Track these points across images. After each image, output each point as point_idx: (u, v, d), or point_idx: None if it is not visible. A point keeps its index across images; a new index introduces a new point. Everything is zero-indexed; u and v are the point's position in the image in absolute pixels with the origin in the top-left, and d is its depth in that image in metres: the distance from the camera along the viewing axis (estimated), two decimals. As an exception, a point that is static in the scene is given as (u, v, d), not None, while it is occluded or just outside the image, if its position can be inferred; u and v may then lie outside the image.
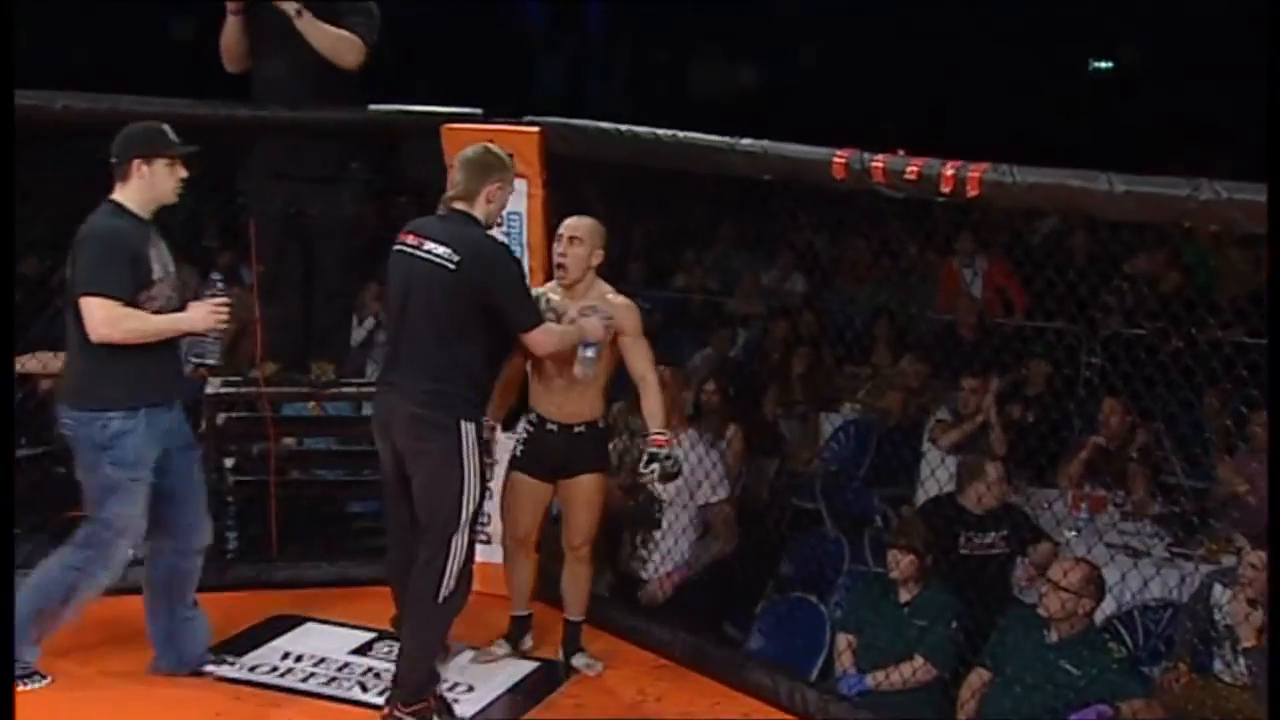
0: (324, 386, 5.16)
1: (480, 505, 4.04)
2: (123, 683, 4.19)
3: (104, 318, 3.82)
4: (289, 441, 5.38)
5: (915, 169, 3.81)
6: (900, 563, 4.70)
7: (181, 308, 4.02)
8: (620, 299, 4.37)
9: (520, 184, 4.73)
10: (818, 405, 7.03)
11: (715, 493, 5.40)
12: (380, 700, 4.12)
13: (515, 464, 4.46)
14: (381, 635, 4.60)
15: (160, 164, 3.95)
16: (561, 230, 4.38)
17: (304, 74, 4.96)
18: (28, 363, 5.19)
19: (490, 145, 4.15)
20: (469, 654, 4.50)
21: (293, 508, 5.21)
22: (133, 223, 3.93)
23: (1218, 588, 4.62)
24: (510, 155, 4.18)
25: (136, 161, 3.92)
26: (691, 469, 5.24)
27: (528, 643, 4.60)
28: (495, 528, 4.74)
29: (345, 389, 5.26)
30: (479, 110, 4.98)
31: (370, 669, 4.41)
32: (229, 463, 5.13)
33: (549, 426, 4.39)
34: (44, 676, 4.09)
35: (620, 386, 4.58)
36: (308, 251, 5.16)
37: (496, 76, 11.06)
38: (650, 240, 8.51)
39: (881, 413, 6.80)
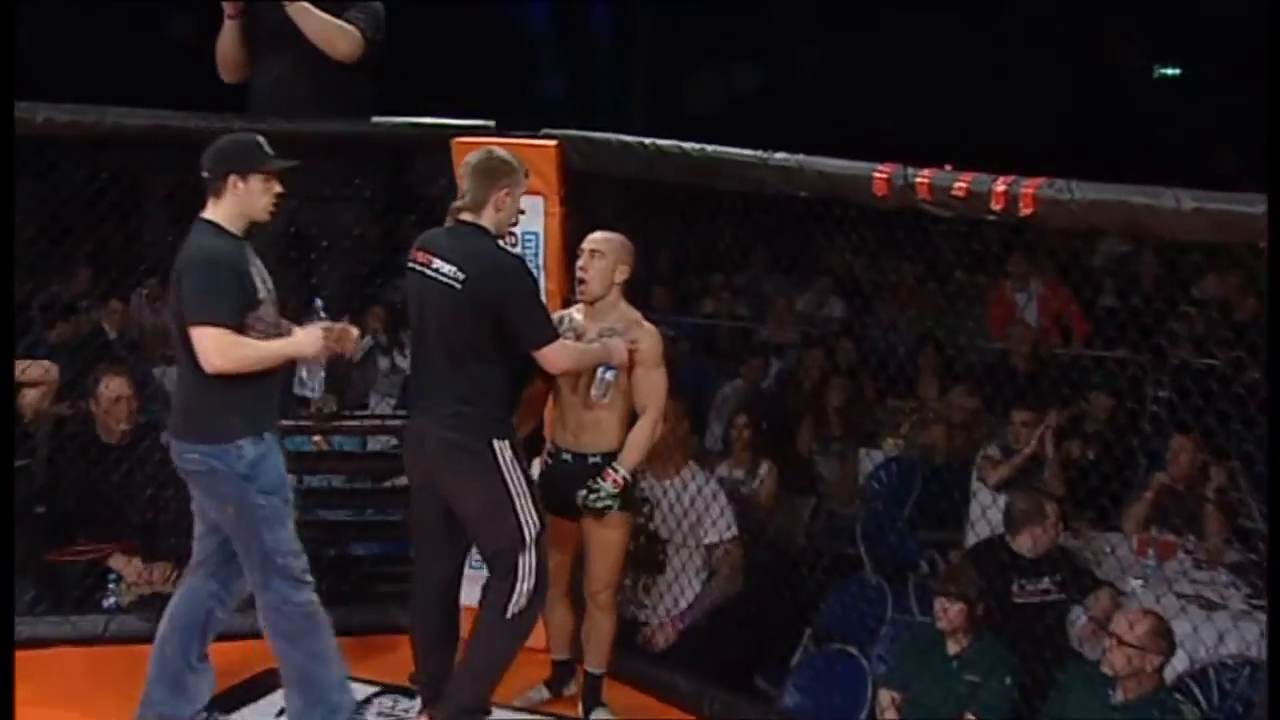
0: (326, 419, 5.19)
1: (543, 521, 4.11)
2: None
3: (216, 347, 3.89)
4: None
5: (964, 185, 3.83)
6: (949, 612, 4.69)
7: (287, 332, 4.13)
8: (646, 325, 4.41)
9: (537, 202, 4.77)
10: (857, 441, 7.01)
11: (721, 532, 5.43)
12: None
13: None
14: (385, 689, 4.61)
15: (256, 180, 4.05)
16: (584, 244, 4.43)
17: (305, 83, 5.01)
18: (30, 369, 5.24)
19: (496, 149, 4.19)
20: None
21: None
22: (230, 242, 4.01)
23: (1300, 642, 4.58)
24: (519, 159, 4.23)
25: (232, 177, 4.00)
26: (695, 506, 5.29)
27: (571, 689, 4.64)
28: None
29: (348, 422, 5.28)
30: (491, 123, 5.02)
31: (371, 727, 4.42)
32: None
33: (564, 456, 4.44)
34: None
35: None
36: (308, 274, 5.20)
37: (500, 83, 11.19)
38: (675, 263, 8.53)
39: (926, 449, 6.79)
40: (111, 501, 5.27)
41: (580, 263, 4.40)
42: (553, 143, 4.88)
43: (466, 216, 4.09)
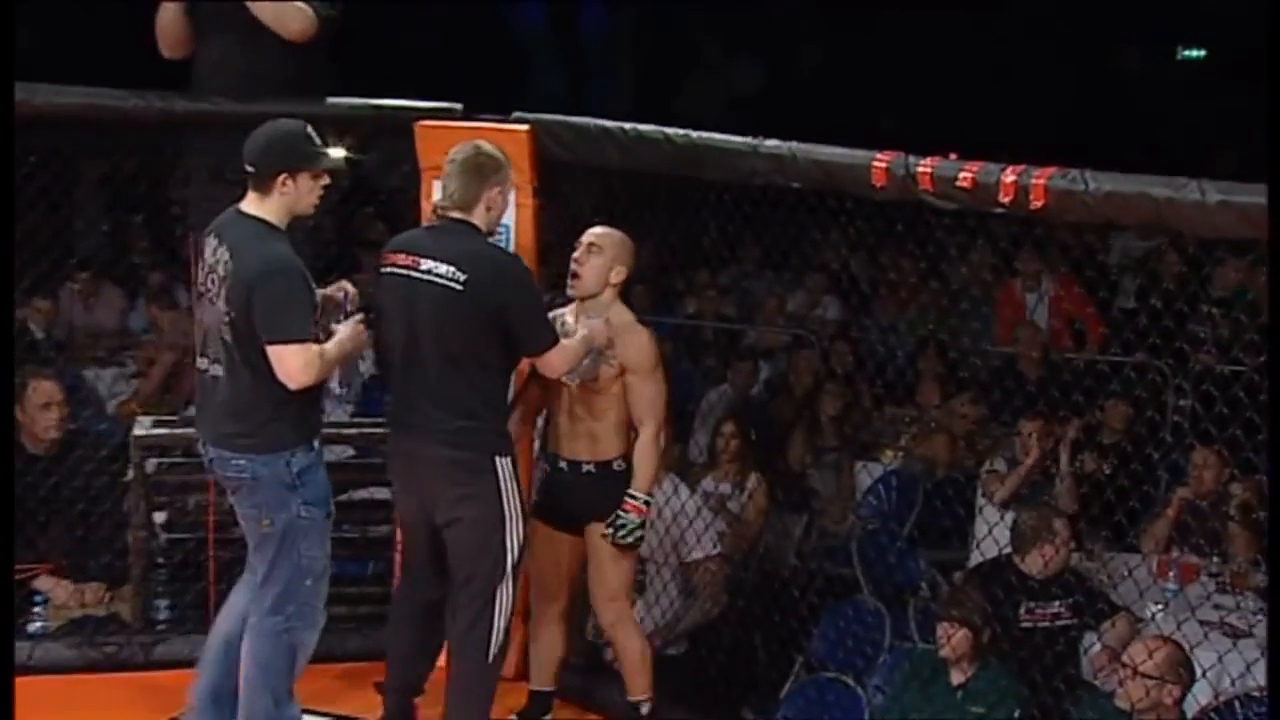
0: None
1: (525, 549, 4.14)
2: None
3: (303, 365, 3.96)
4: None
5: (970, 175, 3.84)
6: (952, 638, 4.70)
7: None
8: (639, 329, 4.42)
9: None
10: (853, 453, 7.03)
11: (701, 548, 5.44)
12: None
13: (535, 509, 4.54)
14: (336, 722, 4.60)
15: (305, 177, 4.07)
16: (583, 236, 4.45)
17: (254, 62, 5.00)
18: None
19: (482, 144, 4.21)
20: None
21: (238, 570, 5.20)
22: (289, 244, 4.05)
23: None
24: (504, 152, 4.24)
25: (282, 176, 4.04)
26: (677, 522, 5.31)
27: None
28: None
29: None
30: (458, 105, 5.01)
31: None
32: (160, 518, 5.14)
33: (560, 465, 4.47)
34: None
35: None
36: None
37: (495, 81, 11.32)
38: (657, 259, 8.53)
39: (928, 462, 6.80)
40: (38, 517, 5.23)
41: (576, 255, 4.42)
42: (524, 128, 4.86)
43: (456, 215, 4.09)
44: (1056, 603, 5.25)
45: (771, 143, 4.33)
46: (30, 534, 5.23)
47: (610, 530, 4.37)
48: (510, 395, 4.31)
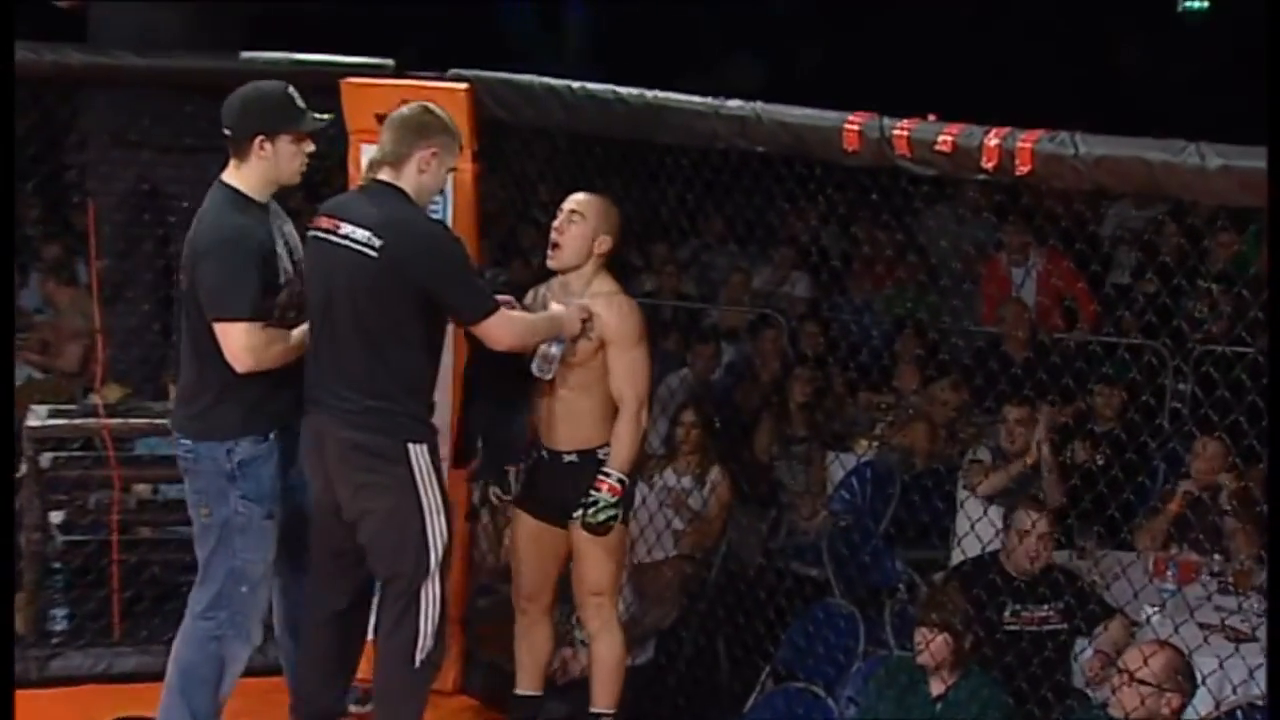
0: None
1: (451, 542, 4.12)
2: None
3: (246, 345, 4.01)
4: (140, 489, 5.36)
5: (950, 138, 3.85)
6: (931, 643, 4.72)
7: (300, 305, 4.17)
8: (620, 298, 4.45)
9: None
10: (824, 442, 7.05)
11: (661, 548, 5.45)
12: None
13: (517, 500, 4.58)
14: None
15: (285, 141, 4.09)
16: (564, 204, 4.46)
17: (162, 12, 4.96)
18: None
19: (432, 105, 4.20)
20: None
21: (143, 576, 5.19)
22: (256, 215, 4.07)
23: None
24: (455, 123, 4.23)
25: (259, 139, 4.07)
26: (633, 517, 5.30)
27: None
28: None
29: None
30: (389, 61, 4.99)
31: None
32: (57, 518, 5.12)
33: (541, 453, 4.50)
34: None
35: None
36: (165, 241, 5.16)
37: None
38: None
39: (906, 452, 6.83)
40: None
41: (556, 224, 4.44)
42: (462, 86, 4.85)
43: (383, 175, 4.08)
44: (1045, 605, 5.29)
45: (734, 103, 4.33)
46: None
47: (580, 511, 4.37)
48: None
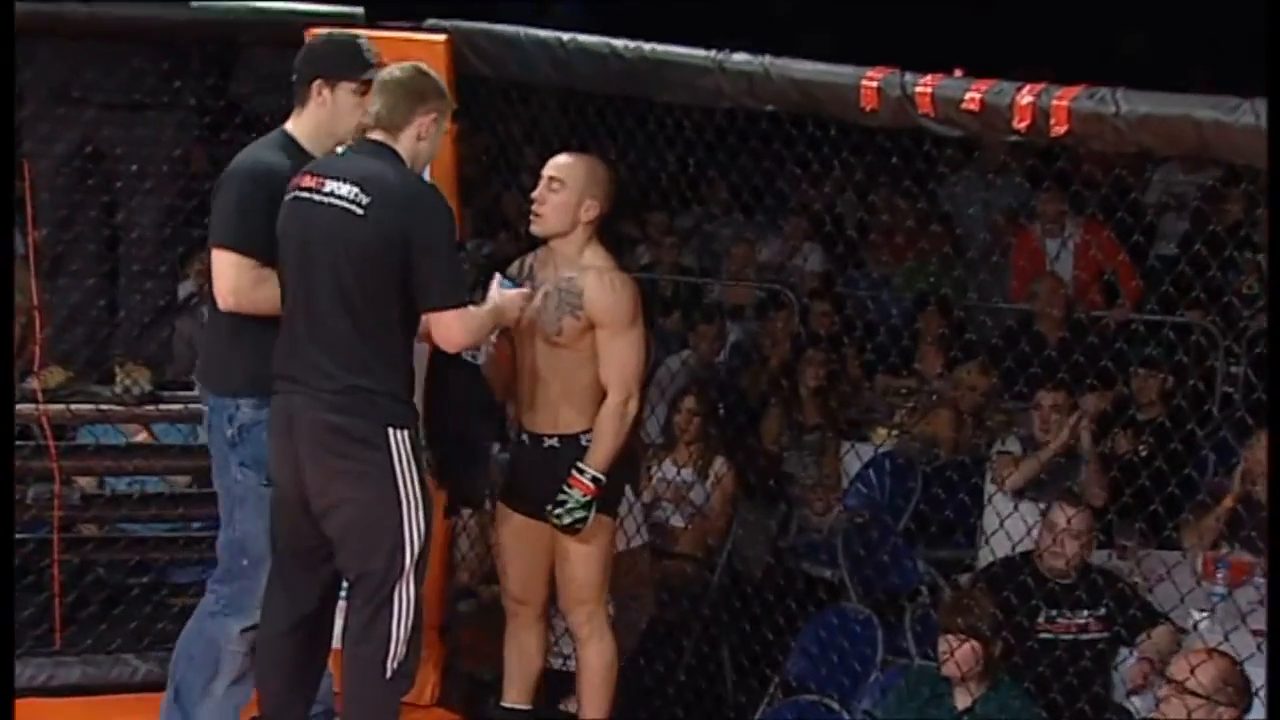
0: (137, 402, 5.15)
1: (429, 539, 4.11)
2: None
3: (233, 279, 4.10)
4: (84, 482, 5.37)
5: (977, 96, 3.85)
6: (956, 652, 4.73)
7: None
8: (612, 273, 4.46)
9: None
10: (839, 431, 7.06)
11: (622, 539, 5.46)
12: None
13: (501, 494, 4.59)
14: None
15: (345, 89, 4.17)
16: (544, 169, 4.47)
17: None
18: None
19: (423, 66, 4.20)
20: None
21: (87, 578, 5.19)
22: (297, 161, 4.13)
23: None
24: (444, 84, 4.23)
25: (317, 83, 4.18)
26: None
27: None
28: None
29: (169, 405, 5.25)
30: (359, 10, 4.98)
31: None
32: (-8, 514, 5.11)
33: (522, 438, 4.53)
34: None
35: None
36: (111, 209, 5.14)
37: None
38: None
39: (928, 442, 6.84)
40: None
41: (536, 192, 4.45)
42: (441, 36, 4.84)
43: (377, 136, 4.09)
44: (1083, 610, 5.30)
45: (740, 57, 4.32)
46: None
47: (551, 509, 4.39)
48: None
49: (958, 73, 3.96)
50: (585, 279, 4.42)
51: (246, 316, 4.12)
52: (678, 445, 6.33)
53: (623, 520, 5.21)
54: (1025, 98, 3.77)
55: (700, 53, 4.42)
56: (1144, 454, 6.33)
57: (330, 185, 4.00)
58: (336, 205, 3.97)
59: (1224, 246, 6.12)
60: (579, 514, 4.39)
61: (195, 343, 6.56)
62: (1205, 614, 5.40)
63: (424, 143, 4.12)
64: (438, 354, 4.28)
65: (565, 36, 4.69)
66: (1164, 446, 6.13)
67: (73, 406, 5.11)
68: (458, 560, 5.33)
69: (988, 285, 8.11)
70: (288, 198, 4.09)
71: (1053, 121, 3.73)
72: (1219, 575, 5.64)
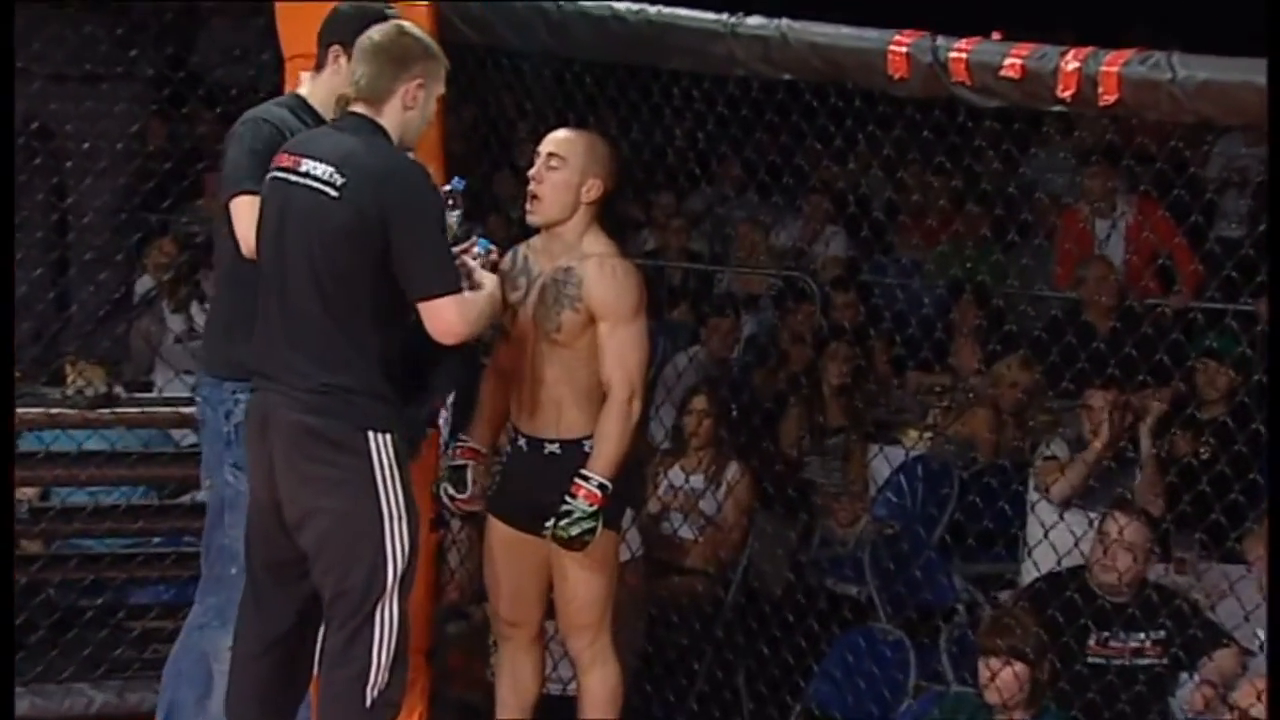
0: (90, 405, 5.16)
1: (414, 554, 4.11)
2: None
3: (247, 220, 4.15)
4: (28, 493, 5.40)
5: (1018, 61, 3.86)
6: (998, 677, 4.74)
7: None
8: (614, 261, 4.47)
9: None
10: (865, 434, 7.06)
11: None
12: None
13: (491, 504, 4.61)
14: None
15: None
16: (540, 146, 4.48)
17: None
18: None
19: (408, 26, 4.20)
20: None
21: (35, 600, 5.20)
22: (307, 120, 4.27)
23: None
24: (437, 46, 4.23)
25: (334, 49, 4.30)
26: None
27: None
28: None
29: (124, 408, 5.26)
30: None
31: None
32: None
33: (519, 443, 4.55)
34: None
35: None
36: (60, 191, 5.15)
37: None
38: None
39: (965, 444, 6.84)
40: None
41: (533, 172, 4.46)
42: (423, 3, 4.85)
43: (359, 109, 4.09)
44: (1138, 631, 5.30)
45: (754, 20, 4.33)
46: None
47: (552, 523, 4.38)
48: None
49: (995, 36, 3.96)
50: (585, 267, 4.43)
51: (248, 295, 4.13)
52: (687, 450, 6.33)
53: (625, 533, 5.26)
54: (1070, 63, 3.78)
55: (710, 16, 4.43)
56: (1205, 457, 6.31)
57: (306, 165, 4.01)
58: (311, 187, 3.98)
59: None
60: (586, 525, 4.37)
61: (154, 339, 6.63)
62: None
63: (412, 112, 4.11)
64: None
65: (563, 1, 4.69)
66: (1227, 448, 6.13)
67: (17, 409, 5.11)
68: (446, 577, 5.34)
69: (1030, 271, 8.09)
70: (267, 178, 4.11)
71: (1101, 90, 3.74)
72: (1288, 591, 5.65)
